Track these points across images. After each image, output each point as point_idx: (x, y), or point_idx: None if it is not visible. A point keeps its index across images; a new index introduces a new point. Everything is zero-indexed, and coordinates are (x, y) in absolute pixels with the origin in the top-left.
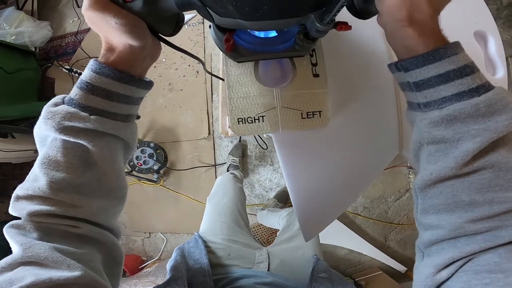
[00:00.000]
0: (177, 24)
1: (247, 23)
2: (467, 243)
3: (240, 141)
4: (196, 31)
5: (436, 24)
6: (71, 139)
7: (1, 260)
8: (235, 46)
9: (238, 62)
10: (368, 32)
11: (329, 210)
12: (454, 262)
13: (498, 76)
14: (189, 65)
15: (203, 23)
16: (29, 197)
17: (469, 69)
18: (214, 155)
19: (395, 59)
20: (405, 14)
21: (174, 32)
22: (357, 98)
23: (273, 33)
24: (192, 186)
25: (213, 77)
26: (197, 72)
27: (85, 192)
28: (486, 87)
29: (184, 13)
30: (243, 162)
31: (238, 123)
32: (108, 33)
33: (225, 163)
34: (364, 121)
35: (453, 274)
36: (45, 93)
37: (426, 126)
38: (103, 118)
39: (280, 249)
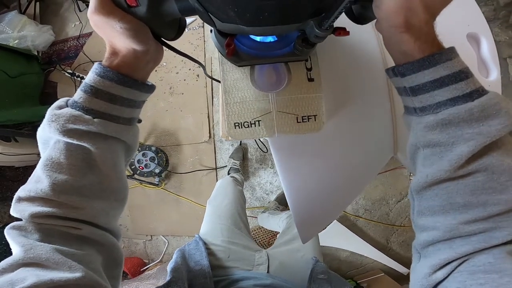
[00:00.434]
0: (179, 28)
1: (248, 29)
2: (462, 244)
3: (240, 144)
4: (197, 35)
5: (432, 29)
6: (75, 142)
7: (2, 261)
8: (235, 51)
9: (239, 66)
10: (362, 36)
11: (325, 212)
12: (449, 262)
13: (492, 78)
14: (190, 69)
15: (203, 27)
16: (31, 199)
17: (463, 74)
18: (215, 158)
19: (389, 62)
20: (402, 20)
21: (176, 37)
22: (351, 102)
23: (272, 38)
24: (193, 189)
25: (213, 80)
26: (198, 75)
27: (87, 194)
28: (479, 92)
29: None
30: (243, 165)
31: (235, 128)
32: (112, 37)
33: (226, 166)
34: (358, 124)
35: (448, 275)
36: (48, 97)
37: (421, 130)
38: (106, 121)
39: (280, 251)
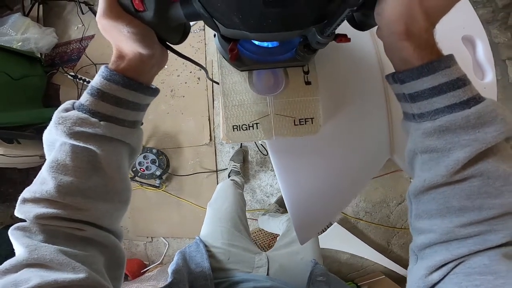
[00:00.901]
0: (184, 33)
1: (251, 35)
2: (458, 246)
3: (241, 147)
4: (198, 38)
5: (432, 37)
6: (81, 144)
7: (5, 262)
8: (238, 56)
9: (241, 70)
10: (359, 40)
11: (323, 213)
12: (445, 264)
13: (487, 80)
14: (191, 72)
15: (204, 30)
16: (36, 200)
17: (461, 82)
18: (216, 161)
19: (385, 64)
20: (402, 27)
21: (180, 41)
22: (348, 104)
23: (275, 44)
24: (194, 191)
25: (214, 83)
26: (199, 78)
27: (92, 195)
28: (476, 99)
29: None
30: (244, 167)
31: (233, 130)
32: (119, 41)
33: (227, 168)
34: (355, 127)
35: (444, 276)
36: (50, 99)
37: (419, 136)
38: (112, 124)
39: (280, 253)
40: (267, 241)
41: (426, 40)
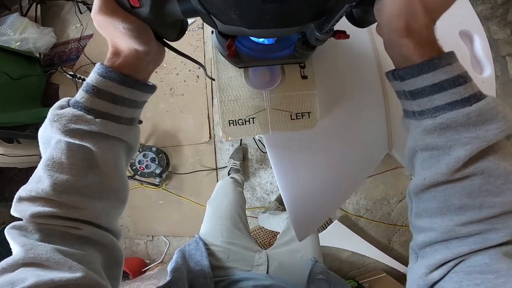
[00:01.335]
0: (181, 29)
1: (249, 31)
2: (458, 245)
3: (241, 144)
4: (196, 36)
5: (432, 33)
6: (76, 142)
7: (2, 261)
8: (236, 52)
9: (239, 67)
10: (356, 35)
11: (321, 209)
12: (446, 263)
13: (485, 74)
14: (190, 70)
15: (202, 28)
16: (32, 199)
17: (462, 79)
18: (215, 159)
19: (382, 59)
20: (403, 24)
21: (178, 38)
22: (345, 99)
23: (273, 41)
24: (193, 189)
25: (213, 81)
26: (198, 76)
27: (88, 194)
28: (477, 96)
29: None
30: (244, 165)
31: (229, 125)
32: (115, 38)
33: (226, 166)
34: (353, 121)
35: (445, 275)
36: (50, 99)
37: (420, 134)
38: (108, 121)
39: (279, 252)
40: (267, 239)
41: (427, 37)
